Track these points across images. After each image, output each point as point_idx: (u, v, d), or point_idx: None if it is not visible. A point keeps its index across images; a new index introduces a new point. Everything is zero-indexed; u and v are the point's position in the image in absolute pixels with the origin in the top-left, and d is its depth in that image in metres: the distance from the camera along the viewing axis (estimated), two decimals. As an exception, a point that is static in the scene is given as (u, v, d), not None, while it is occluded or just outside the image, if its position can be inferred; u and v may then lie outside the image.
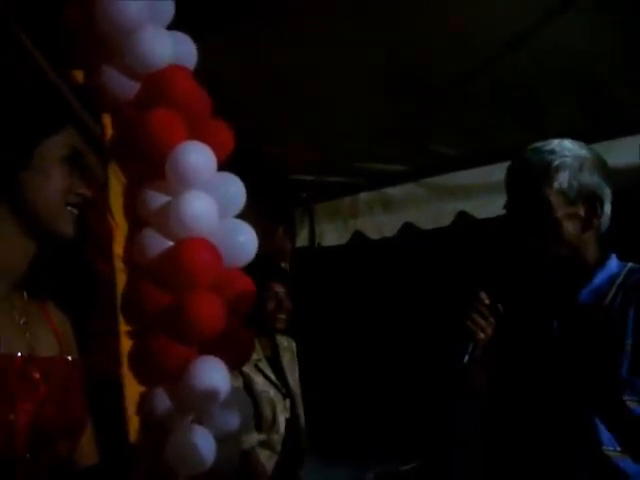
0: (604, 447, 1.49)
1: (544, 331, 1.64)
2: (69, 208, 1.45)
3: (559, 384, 1.57)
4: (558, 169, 1.55)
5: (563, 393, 1.56)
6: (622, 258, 1.65)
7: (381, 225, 4.03)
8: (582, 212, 1.58)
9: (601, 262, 1.62)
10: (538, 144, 1.62)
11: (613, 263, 1.62)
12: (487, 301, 1.63)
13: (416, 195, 3.79)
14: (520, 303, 1.73)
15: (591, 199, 1.57)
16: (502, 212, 3.27)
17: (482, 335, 1.62)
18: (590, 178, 1.57)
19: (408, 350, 5.48)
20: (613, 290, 1.57)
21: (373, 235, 4.08)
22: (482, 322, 1.62)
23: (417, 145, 3.50)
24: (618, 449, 1.49)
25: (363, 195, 4.09)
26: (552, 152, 1.58)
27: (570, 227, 1.57)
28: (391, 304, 5.83)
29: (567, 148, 1.59)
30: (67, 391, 1.44)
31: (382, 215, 4.01)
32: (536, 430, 1.60)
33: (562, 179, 1.55)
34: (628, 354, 1.49)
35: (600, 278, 1.60)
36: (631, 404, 1.48)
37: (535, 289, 1.71)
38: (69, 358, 1.50)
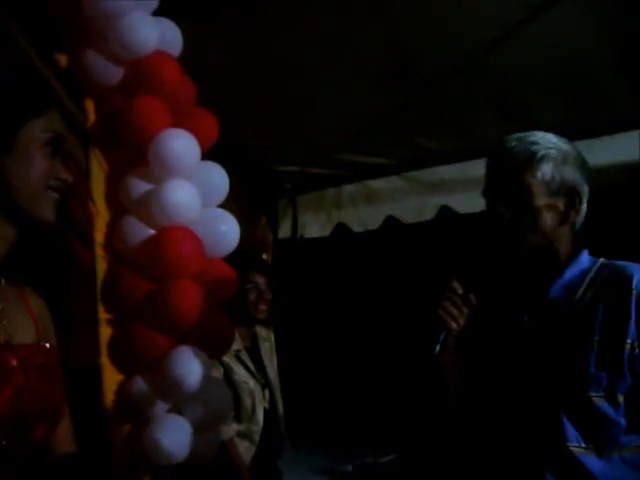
0: (569, 443, 1.51)
1: (514, 325, 1.65)
2: (50, 192, 1.43)
3: (527, 379, 1.58)
4: (542, 159, 1.56)
5: (530, 388, 1.57)
6: (600, 255, 1.66)
7: (364, 218, 4.03)
8: (561, 205, 1.58)
9: (573, 257, 1.63)
10: (521, 134, 1.63)
11: (585, 258, 1.63)
12: (460, 290, 1.64)
13: (399, 188, 3.80)
14: (492, 295, 1.74)
15: (571, 194, 1.58)
16: (484, 207, 3.31)
17: (454, 325, 1.63)
18: (572, 173, 1.58)
19: (389, 342, 5.51)
20: (584, 285, 1.59)
21: (356, 227, 4.08)
22: (454, 311, 1.63)
23: (401, 139, 3.50)
24: (583, 445, 1.51)
25: (347, 187, 4.09)
26: (536, 142, 1.58)
27: (548, 218, 1.57)
28: (373, 296, 5.85)
29: (551, 141, 1.60)
30: (44, 378, 1.43)
31: (365, 208, 4.01)
32: (503, 424, 1.61)
33: (546, 170, 1.56)
34: (595, 350, 1.50)
35: (571, 273, 1.61)
36: (597, 400, 1.50)
37: (507, 282, 1.72)
38: (47, 345, 1.49)
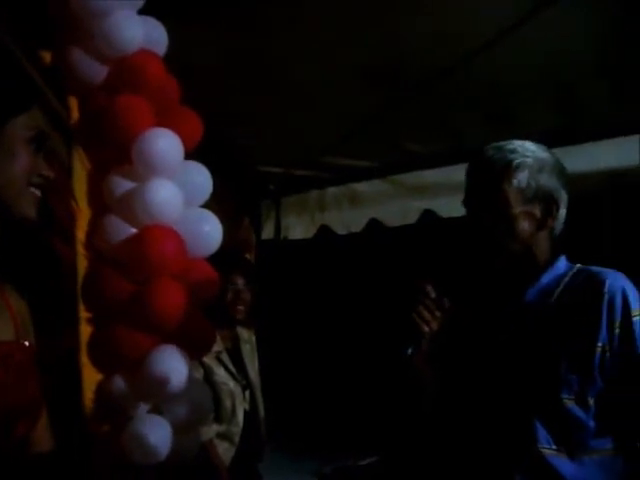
0: (539, 445, 1.53)
1: (491, 328, 1.67)
2: (31, 189, 1.42)
3: (500, 381, 1.60)
4: (518, 167, 1.58)
5: (503, 390, 1.59)
6: (583, 261, 1.68)
7: (347, 220, 4.03)
8: (538, 212, 1.60)
9: (550, 262, 1.64)
10: (500, 143, 1.65)
11: (562, 264, 1.65)
12: (433, 294, 1.66)
13: (383, 192, 3.81)
14: (470, 299, 1.75)
15: (547, 200, 1.60)
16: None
17: (427, 328, 1.65)
18: (549, 180, 1.60)
19: (370, 344, 5.51)
20: (559, 290, 1.61)
21: (339, 230, 4.08)
22: (427, 315, 1.65)
23: (386, 142, 3.50)
24: (554, 447, 1.52)
25: (331, 190, 4.10)
26: (514, 151, 1.60)
27: (525, 225, 1.59)
28: (355, 298, 5.85)
29: (529, 149, 1.62)
30: (23, 376, 1.42)
31: (349, 210, 4.02)
32: (476, 426, 1.62)
33: (521, 178, 1.58)
34: (567, 353, 1.52)
35: (547, 278, 1.62)
36: (568, 402, 1.52)
37: (485, 286, 1.74)
38: (26, 343, 1.48)
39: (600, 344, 1.51)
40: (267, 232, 4.49)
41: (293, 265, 5.59)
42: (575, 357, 1.52)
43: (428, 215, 3.58)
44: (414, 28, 2.48)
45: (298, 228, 4.32)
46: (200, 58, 2.69)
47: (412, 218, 3.66)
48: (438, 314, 1.65)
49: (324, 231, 4.17)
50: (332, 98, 3.03)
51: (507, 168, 1.59)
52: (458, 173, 3.33)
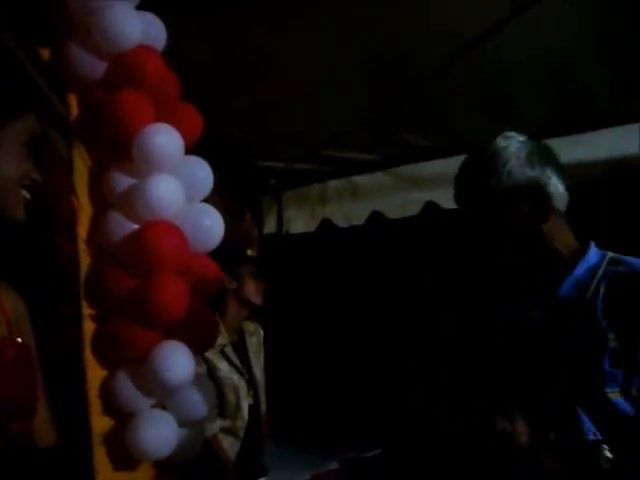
0: (585, 437, 1.48)
1: (524, 322, 1.63)
2: (22, 192, 1.44)
3: (541, 373, 1.57)
4: (500, 178, 1.53)
5: (546, 381, 1.56)
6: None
7: (349, 213, 4.04)
8: (527, 209, 1.55)
9: (581, 251, 1.59)
10: (475, 154, 1.61)
11: (593, 253, 1.59)
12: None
13: (384, 184, 3.81)
14: (503, 291, 1.73)
15: (534, 193, 1.55)
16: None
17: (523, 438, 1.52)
18: (530, 171, 1.54)
19: (374, 337, 5.51)
20: (595, 282, 1.55)
21: (341, 223, 4.08)
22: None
23: (387, 134, 3.50)
24: (600, 438, 1.47)
25: (332, 183, 4.10)
26: (487, 168, 1.55)
27: (525, 229, 1.55)
28: (357, 291, 5.85)
29: (503, 151, 1.56)
30: (17, 372, 1.43)
31: (350, 203, 4.02)
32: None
33: (503, 186, 1.53)
34: (611, 348, 1.48)
35: (581, 269, 1.57)
36: (612, 396, 1.49)
37: (512, 281, 1.69)
38: (19, 340, 1.49)
39: None
40: (269, 226, 4.50)
41: (295, 259, 5.59)
42: (619, 352, 1.48)
43: (430, 207, 3.58)
44: (413, 24, 2.48)
45: (300, 222, 4.33)
46: (199, 53, 2.68)
47: (413, 210, 3.66)
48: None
49: (326, 224, 4.17)
50: (333, 91, 3.02)
51: (487, 190, 1.55)
52: (459, 164, 3.37)
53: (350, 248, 5.44)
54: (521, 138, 1.59)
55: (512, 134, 1.60)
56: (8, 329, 1.48)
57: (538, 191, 1.55)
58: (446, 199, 3.48)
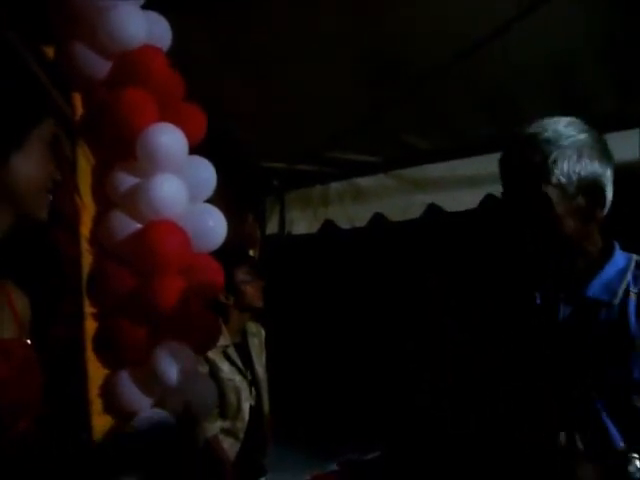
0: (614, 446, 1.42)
1: (550, 316, 1.55)
2: (46, 193, 1.44)
3: (567, 370, 1.51)
4: (556, 162, 1.43)
5: (571, 379, 1.50)
6: None
7: (352, 215, 4.04)
8: (584, 205, 1.46)
9: (608, 253, 1.53)
10: (532, 130, 1.49)
11: (619, 256, 1.53)
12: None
13: (387, 186, 3.80)
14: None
15: (592, 189, 1.45)
16: (471, 206, 3.31)
17: None
18: (590, 166, 1.45)
19: (375, 339, 5.51)
20: (623, 286, 1.49)
21: (343, 225, 4.08)
22: None
23: (389, 136, 3.50)
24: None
25: (334, 185, 4.09)
26: (548, 142, 1.44)
27: (571, 223, 1.46)
28: (359, 293, 5.85)
29: (564, 135, 1.46)
30: (25, 373, 1.43)
31: (353, 205, 4.02)
32: (535, 429, 1.51)
33: (560, 173, 1.43)
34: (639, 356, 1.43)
35: (609, 271, 1.51)
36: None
37: (538, 277, 1.61)
38: (28, 341, 1.49)
39: None
40: (271, 227, 4.49)
41: (297, 260, 5.59)
42: None
43: (432, 209, 3.57)
44: (415, 24, 2.48)
45: (302, 223, 4.33)
46: (202, 53, 2.69)
47: (416, 212, 3.66)
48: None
49: (328, 226, 4.17)
50: (335, 93, 3.02)
51: (543, 165, 1.44)
52: (462, 167, 3.37)
53: (352, 250, 5.44)
54: (578, 125, 1.51)
55: (577, 120, 1.52)
56: (18, 330, 1.48)
57: (596, 188, 1.47)
58: (448, 201, 3.48)
